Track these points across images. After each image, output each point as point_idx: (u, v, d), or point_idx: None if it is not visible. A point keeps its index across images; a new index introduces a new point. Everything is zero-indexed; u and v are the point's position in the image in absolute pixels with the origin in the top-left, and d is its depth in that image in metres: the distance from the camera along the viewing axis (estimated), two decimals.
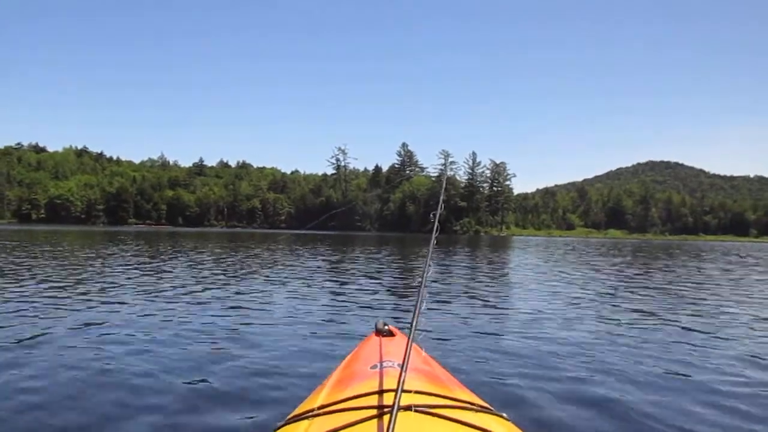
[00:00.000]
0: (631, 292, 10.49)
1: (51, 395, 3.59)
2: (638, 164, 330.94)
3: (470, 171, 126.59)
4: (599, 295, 9.86)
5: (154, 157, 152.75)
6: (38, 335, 5.29)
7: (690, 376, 4.38)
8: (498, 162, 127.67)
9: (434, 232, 2.57)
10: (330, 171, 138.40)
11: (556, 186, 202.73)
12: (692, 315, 7.66)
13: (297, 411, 1.79)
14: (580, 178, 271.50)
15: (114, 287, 9.24)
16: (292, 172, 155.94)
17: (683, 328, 6.56)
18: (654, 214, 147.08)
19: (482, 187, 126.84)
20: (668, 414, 3.47)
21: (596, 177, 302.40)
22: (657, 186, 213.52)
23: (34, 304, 7.14)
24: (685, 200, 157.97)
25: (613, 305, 8.49)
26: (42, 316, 6.31)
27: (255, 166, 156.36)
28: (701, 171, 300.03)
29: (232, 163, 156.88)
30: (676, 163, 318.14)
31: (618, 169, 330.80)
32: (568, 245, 46.49)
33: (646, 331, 6.30)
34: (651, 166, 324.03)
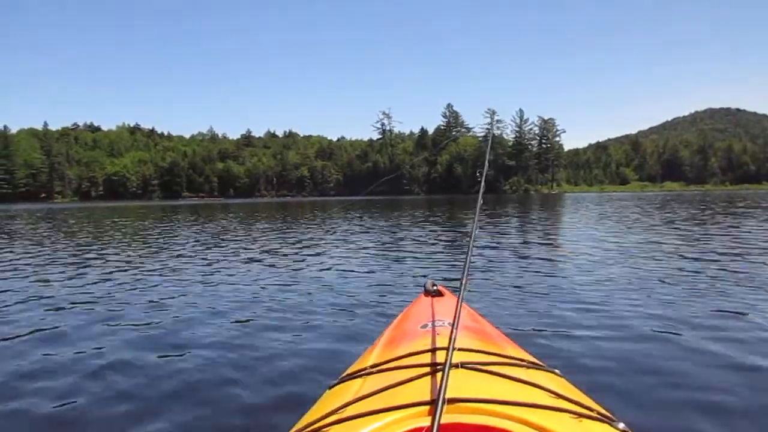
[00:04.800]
0: (697, 250, 9.98)
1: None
2: (696, 113, 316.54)
3: (518, 129, 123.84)
4: (659, 253, 9.48)
5: (204, 130, 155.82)
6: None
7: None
8: (546, 118, 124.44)
9: (481, 191, 2.55)
10: (375, 136, 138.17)
11: (608, 140, 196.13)
12: None
13: (350, 370, 1.82)
14: (634, 131, 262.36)
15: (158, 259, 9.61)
16: (338, 139, 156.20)
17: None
18: (713, 164, 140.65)
19: (530, 144, 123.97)
20: (732, 377, 3.26)
21: (651, 129, 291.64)
22: (716, 135, 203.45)
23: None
24: (746, 148, 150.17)
25: (675, 263, 8.22)
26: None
27: (301, 135, 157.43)
28: (764, 116, 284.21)
29: (279, 133, 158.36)
30: (738, 110, 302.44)
31: (674, 119, 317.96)
32: (623, 200, 45.15)
33: (720, 292, 5.73)
34: (710, 114, 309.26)
